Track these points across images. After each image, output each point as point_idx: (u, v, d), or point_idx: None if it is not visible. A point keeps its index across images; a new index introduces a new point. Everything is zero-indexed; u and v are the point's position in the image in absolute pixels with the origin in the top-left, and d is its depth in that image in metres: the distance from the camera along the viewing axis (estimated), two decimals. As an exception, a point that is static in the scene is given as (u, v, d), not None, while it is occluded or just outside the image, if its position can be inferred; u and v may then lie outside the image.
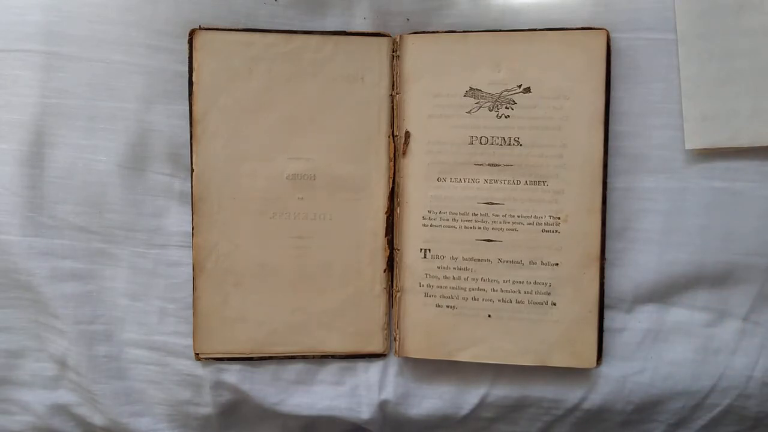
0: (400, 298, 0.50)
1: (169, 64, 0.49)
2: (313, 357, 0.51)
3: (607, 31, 0.47)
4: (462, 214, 0.49)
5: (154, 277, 0.51)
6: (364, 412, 0.51)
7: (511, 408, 0.52)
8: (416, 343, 0.50)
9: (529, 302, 0.49)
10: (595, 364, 0.49)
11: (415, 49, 0.49)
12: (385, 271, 0.51)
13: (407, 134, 0.50)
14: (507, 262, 0.49)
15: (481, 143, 0.49)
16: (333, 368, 0.52)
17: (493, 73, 0.48)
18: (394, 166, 0.50)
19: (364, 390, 0.52)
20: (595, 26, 0.48)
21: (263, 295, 0.50)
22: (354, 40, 0.49)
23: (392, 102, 0.50)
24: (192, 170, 0.49)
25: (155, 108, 0.50)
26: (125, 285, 0.51)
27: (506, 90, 0.48)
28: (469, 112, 0.49)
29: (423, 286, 0.50)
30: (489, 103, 0.48)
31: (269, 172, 0.50)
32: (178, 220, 0.51)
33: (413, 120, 0.49)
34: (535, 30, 0.48)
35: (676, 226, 0.49)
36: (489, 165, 0.49)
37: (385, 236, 0.51)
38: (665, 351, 0.50)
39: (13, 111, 0.49)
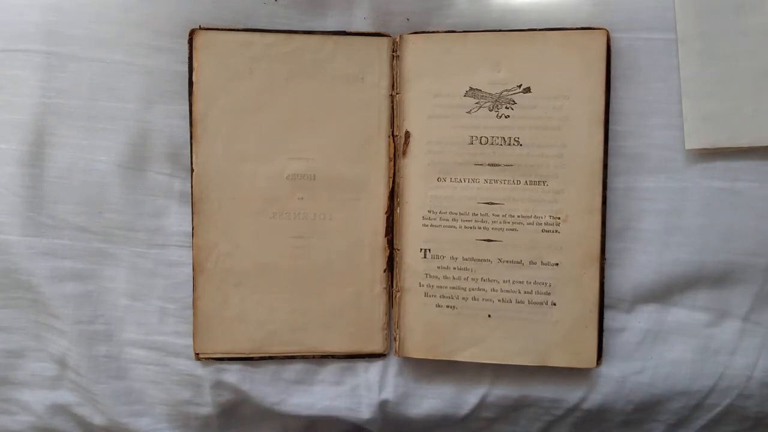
0: (400, 298, 0.50)
1: (169, 64, 0.49)
2: (313, 357, 0.51)
3: (606, 31, 0.47)
4: (462, 214, 0.49)
5: (154, 277, 0.51)
6: (364, 412, 0.51)
7: (511, 408, 0.52)
8: (416, 343, 0.50)
9: (529, 302, 0.49)
10: (595, 364, 0.49)
11: (415, 49, 0.49)
12: (385, 271, 0.51)
13: (407, 134, 0.50)
14: (507, 262, 0.49)
15: (481, 143, 0.49)
16: (333, 368, 0.52)
17: (493, 73, 0.48)
18: (394, 166, 0.50)
19: (364, 390, 0.52)
20: (595, 26, 0.48)
21: (263, 295, 0.50)
22: (354, 40, 0.49)
23: (392, 102, 0.50)
24: (192, 170, 0.49)
25: (155, 108, 0.50)
26: (125, 285, 0.51)
27: (506, 90, 0.48)
28: (469, 112, 0.49)
29: (423, 286, 0.50)
30: (489, 103, 0.48)
31: (269, 172, 0.50)
32: (178, 220, 0.51)
33: (413, 120, 0.49)
34: (535, 30, 0.48)
35: (676, 226, 0.49)
36: (489, 165, 0.49)
37: (385, 236, 0.51)
38: (665, 351, 0.50)
39: (13, 111, 0.49)
